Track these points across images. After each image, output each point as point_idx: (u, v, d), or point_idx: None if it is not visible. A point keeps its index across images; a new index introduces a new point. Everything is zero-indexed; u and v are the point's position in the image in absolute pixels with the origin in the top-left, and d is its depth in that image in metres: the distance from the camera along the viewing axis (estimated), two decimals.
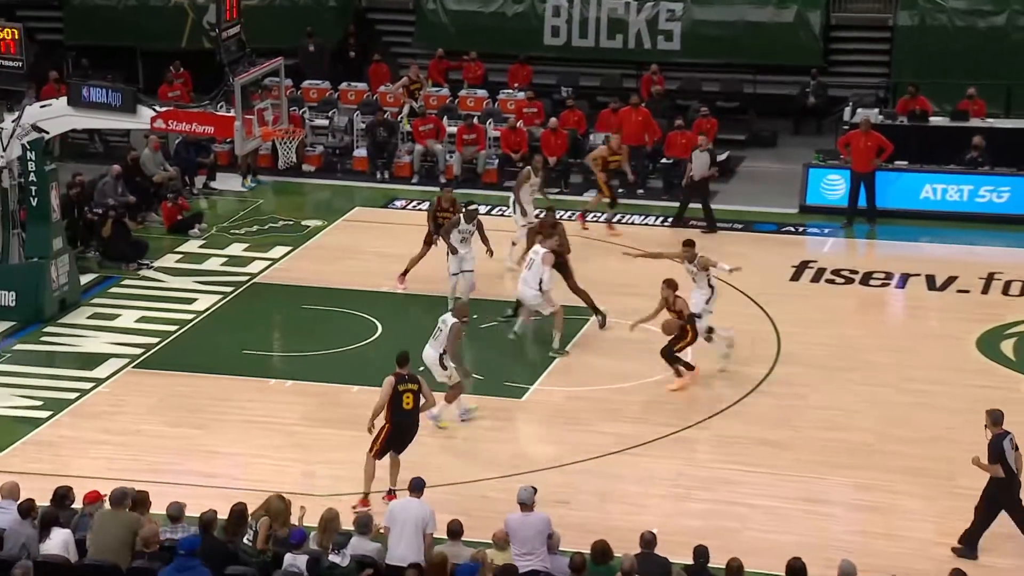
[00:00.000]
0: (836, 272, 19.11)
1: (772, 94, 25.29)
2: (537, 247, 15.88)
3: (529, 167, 19.04)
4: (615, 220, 20.72)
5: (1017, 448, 12.10)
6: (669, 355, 15.30)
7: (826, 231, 20.84)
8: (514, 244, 18.52)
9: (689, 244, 16.10)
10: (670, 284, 15.29)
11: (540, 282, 15.87)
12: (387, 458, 12.97)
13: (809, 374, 15.74)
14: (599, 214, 20.97)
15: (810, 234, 20.91)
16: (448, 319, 14.28)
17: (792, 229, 21.02)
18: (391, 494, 12.85)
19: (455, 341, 14.23)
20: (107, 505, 11.19)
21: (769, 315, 17.60)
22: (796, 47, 24.71)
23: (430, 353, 14.30)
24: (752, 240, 20.55)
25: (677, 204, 21.00)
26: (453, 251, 16.97)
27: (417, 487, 11.59)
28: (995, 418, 12.18)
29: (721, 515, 13.02)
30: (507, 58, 25.34)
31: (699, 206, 20.73)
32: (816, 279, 19.00)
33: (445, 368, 14.29)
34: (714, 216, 20.74)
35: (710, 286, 15.74)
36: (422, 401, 13.02)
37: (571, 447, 14.21)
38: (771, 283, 18.66)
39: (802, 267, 19.32)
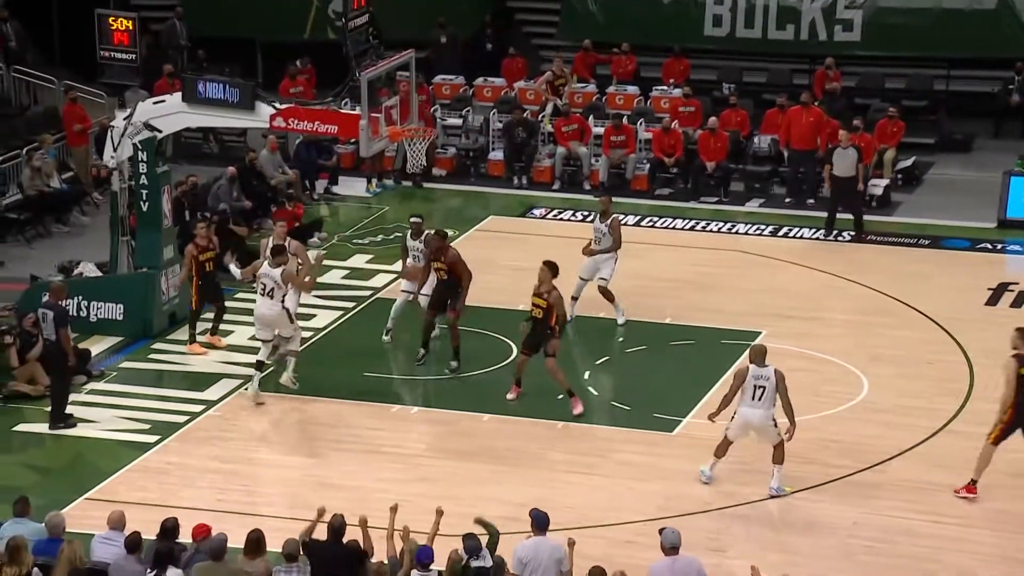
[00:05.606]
0: None
1: (968, 91, 24.92)
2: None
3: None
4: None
5: None
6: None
7: None
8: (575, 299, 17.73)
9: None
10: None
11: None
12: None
13: None
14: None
15: (1010, 252, 20.56)
16: (769, 372, 13.65)
17: (989, 246, 20.71)
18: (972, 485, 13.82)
19: (787, 390, 13.76)
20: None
21: (960, 344, 17.33)
22: (998, 38, 24.27)
23: (760, 414, 13.71)
24: (941, 258, 20.28)
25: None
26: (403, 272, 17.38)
27: (543, 524, 11.48)
28: None
29: (903, 571, 12.85)
30: (662, 51, 25.37)
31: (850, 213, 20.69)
32: (1017, 304, 18.68)
33: (776, 426, 13.85)
34: (864, 226, 20.65)
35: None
36: None
37: (727, 488, 14.11)
38: (963, 307, 18.40)
39: (1000, 289, 19.02)
